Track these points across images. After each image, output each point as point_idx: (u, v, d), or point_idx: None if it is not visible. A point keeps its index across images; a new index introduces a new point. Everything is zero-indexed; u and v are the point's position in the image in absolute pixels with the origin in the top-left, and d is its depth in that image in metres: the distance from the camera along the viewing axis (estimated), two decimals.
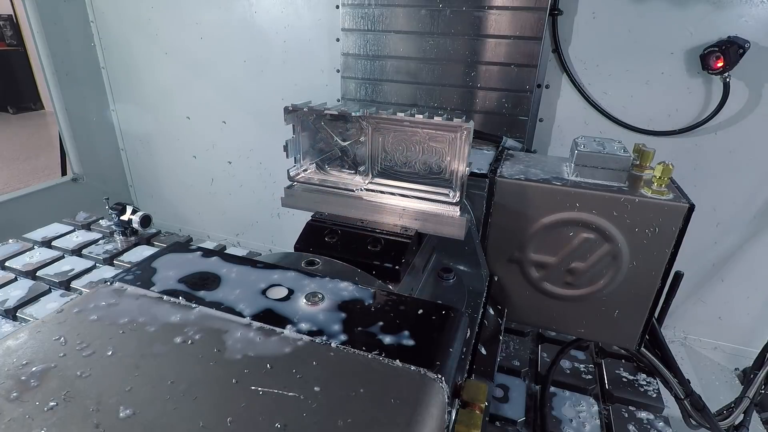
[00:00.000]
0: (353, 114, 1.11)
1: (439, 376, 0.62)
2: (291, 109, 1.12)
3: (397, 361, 0.64)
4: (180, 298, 0.76)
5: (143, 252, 1.96)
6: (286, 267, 0.88)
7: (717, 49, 1.65)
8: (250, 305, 0.75)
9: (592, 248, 1.18)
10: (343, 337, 0.69)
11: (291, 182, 1.22)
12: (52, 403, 0.55)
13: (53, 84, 2.73)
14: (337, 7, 2.05)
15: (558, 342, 1.63)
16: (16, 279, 1.75)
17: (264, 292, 0.79)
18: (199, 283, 0.81)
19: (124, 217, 2.02)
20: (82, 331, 0.67)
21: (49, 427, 0.52)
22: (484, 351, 1.21)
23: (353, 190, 1.17)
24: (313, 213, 1.22)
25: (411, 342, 0.68)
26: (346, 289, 0.82)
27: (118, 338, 0.66)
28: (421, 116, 1.06)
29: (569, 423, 1.30)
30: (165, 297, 0.76)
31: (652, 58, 1.82)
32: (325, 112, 1.13)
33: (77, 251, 1.95)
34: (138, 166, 3.16)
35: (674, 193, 1.12)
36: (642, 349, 1.32)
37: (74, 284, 1.72)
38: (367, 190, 1.17)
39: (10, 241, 2.01)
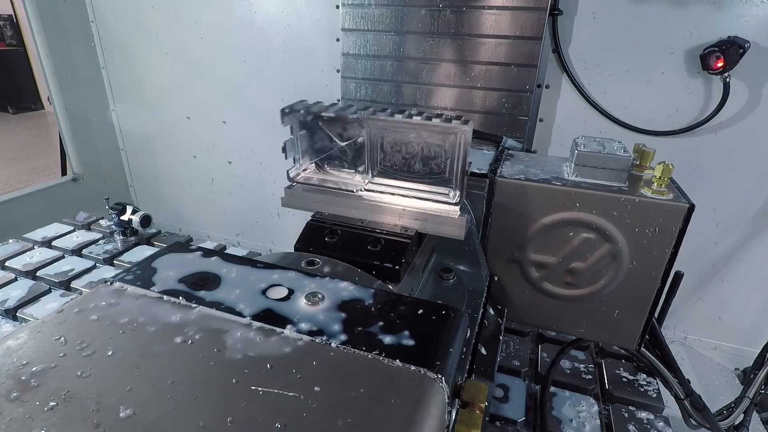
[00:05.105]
0: (350, 117, 1.10)
1: (439, 376, 0.62)
2: (287, 111, 1.12)
3: (397, 361, 0.64)
4: (180, 298, 0.76)
5: (143, 252, 1.96)
6: (286, 267, 0.88)
7: (717, 49, 1.65)
8: (250, 305, 0.75)
9: (592, 248, 1.18)
10: (343, 337, 0.69)
11: (291, 183, 1.22)
12: (52, 403, 0.55)
13: (53, 84, 2.73)
14: (337, 7, 2.05)
15: (558, 342, 1.63)
16: (16, 279, 1.75)
17: (264, 292, 0.79)
18: (199, 283, 0.81)
19: (124, 217, 2.02)
20: (82, 331, 0.67)
21: (49, 427, 0.52)
22: (484, 351, 1.21)
23: (353, 190, 1.17)
24: (313, 213, 1.22)
25: (411, 342, 0.68)
26: (346, 289, 0.82)
27: (118, 338, 0.66)
28: (419, 118, 1.06)
29: (569, 423, 1.30)
30: (165, 297, 0.76)
31: (652, 58, 1.82)
32: (322, 114, 1.13)
33: (77, 251, 1.95)
34: (138, 166, 3.16)
35: (674, 193, 1.11)
36: (642, 349, 1.32)
37: (74, 284, 1.72)
38: (366, 190, 1.17)
39: (10, 241, 2.01)
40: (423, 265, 1.24)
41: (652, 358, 1.38)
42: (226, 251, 1.76)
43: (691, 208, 1.06)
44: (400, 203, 1.13)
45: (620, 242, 1.14)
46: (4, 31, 8.22)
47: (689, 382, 1.39)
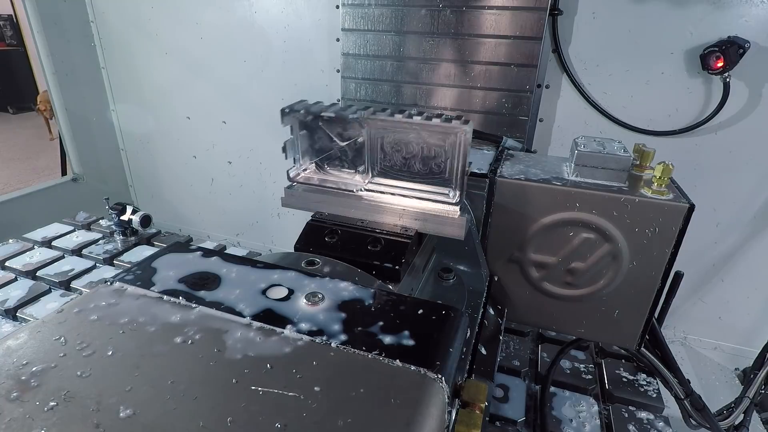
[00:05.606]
0: (350, 117, 1.10)
1: (439, 376, 0.62)
2: (287, 111, 1.12)
3: (397, 361, 0.64)
4: (180, 298, 0.76)
5: (143, 252, 1.96)
6: (286, 267, 0.88)
7: (717, 49, 1.65)
8: (250, 305, 0.75)
9: (592, 248, 1.18)
10: (343, 337, 0.69)
11: (291, 183, 1.22)
12: (52, 403, 0.55)
13: (53, 84, 2.73)
14: (337, 7, 2.05)
15: (558, 342, 1.63)
16: (16, 279, 1.75)
17: (264, 292, 0.79)
18: (199, 283, 0.81)
19: (124, 217, 2.02)
20: (82, 331, 0.67)
21: (49, 427, 0.52)
22: (484, 351, 1.21)
23: (353, 190, 1.17)
24: (313, 213, 1.22)
25: (411, 342, 0.68)
26: (346, 289, 0.82)
27: (118, 338, 0.66)
28: (419, 118, 1.06)
29: (569, 423, 1.30)
30: (165, 297, 0.76)
31: (652, 58, 1.82)
32: (322, 114, 1.13)
33: (77, 251, 1.95)
34: (138, 166, 3.16)
35: (674, 193, 1.11)
36: (642, 349, 1.32)
37: (74, 284, 1.72)
38: (366, 190, 1.17)
39: (10, 241, 2.01)
40: (423, 265, 1.24)
41: (652, 358, 1.38)
42: (226, 251, 1.76)
43: (691, 208, 1.06)
44: (400, 203, 1.13)
45: (620, 242, 1.14)
46: (4, 31, 8.23)
47: (689, 382, 1.39)
